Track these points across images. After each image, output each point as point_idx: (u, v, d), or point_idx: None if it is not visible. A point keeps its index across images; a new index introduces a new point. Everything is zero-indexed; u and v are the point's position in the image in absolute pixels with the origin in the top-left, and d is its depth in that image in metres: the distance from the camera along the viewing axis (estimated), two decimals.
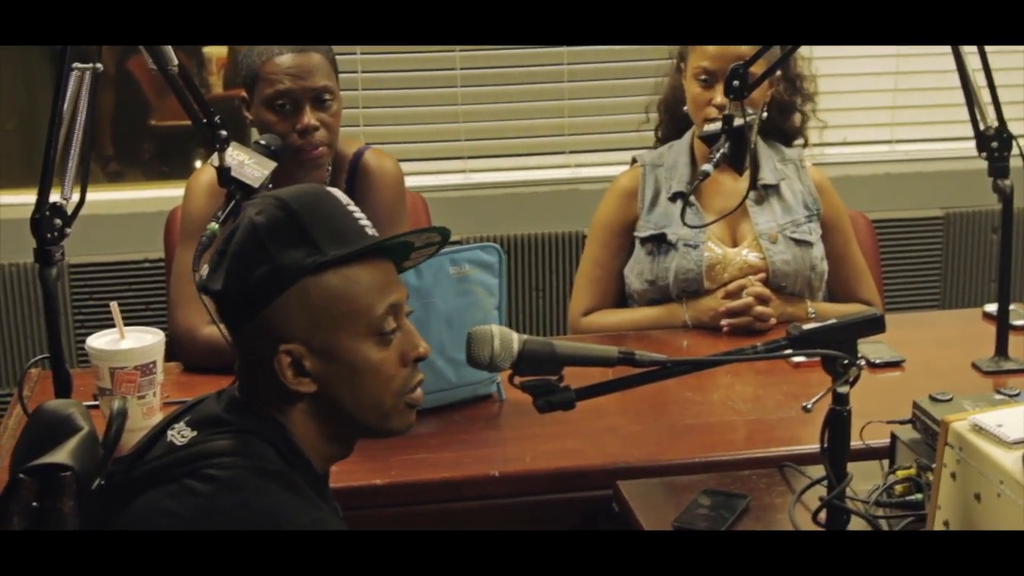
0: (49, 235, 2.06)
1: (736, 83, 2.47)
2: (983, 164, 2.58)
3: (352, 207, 1.65)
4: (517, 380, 1.76)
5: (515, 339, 1.74)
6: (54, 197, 2.09)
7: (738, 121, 2.52)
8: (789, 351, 1.80)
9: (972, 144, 2.58)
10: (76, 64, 2.09)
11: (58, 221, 2.08)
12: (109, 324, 2.29)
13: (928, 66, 4.06)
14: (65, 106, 2.08)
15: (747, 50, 2.70)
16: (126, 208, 3.79)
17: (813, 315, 2.87)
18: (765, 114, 2.83)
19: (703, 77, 2.84)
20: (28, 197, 3.70)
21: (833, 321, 1.80)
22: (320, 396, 1.62)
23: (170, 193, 3.81)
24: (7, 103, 4.59)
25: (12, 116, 4.67)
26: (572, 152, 3.99)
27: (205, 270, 1.64)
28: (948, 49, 2.51)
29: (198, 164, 4.57)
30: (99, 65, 2.11)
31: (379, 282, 1.63)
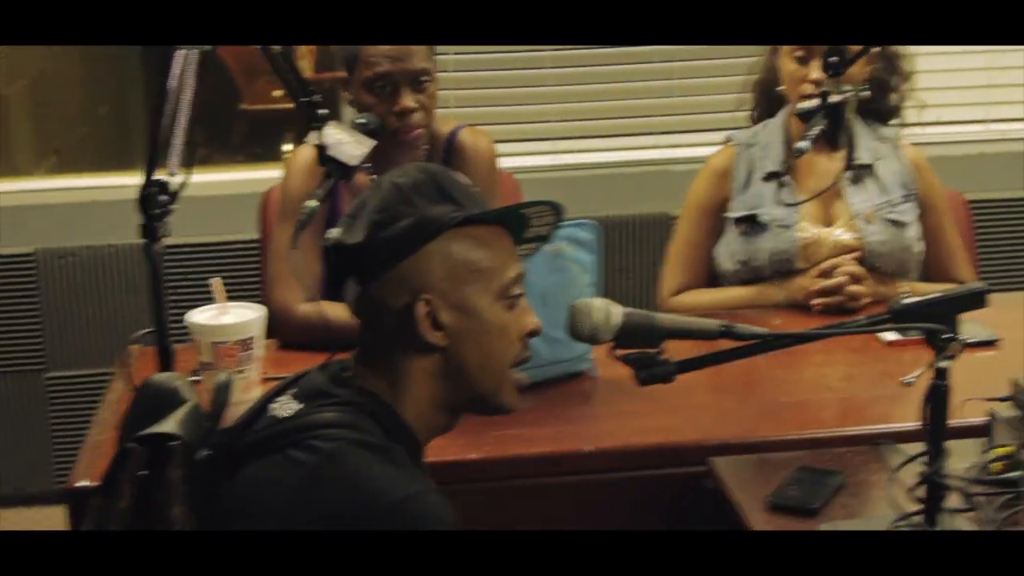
0: (155, 211, 2.10)
1: (834, 59, 2.46)
2: None
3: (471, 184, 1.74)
4: (618, 352, 1.77)
5: (617, 311, 1.75)
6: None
7: (835, 98, 2.51)
8: (891, 325, 1.79)
9: None
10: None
11: (164, 197, 2.12)
12: (200, 305, 2.33)
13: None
14: (173, 84, 2.11)
15: None
16: (217, 190, 3.83)
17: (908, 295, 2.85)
18: (868, 92, 2.80)
19: (799, 53, 2.82)
20: (122, 179, 3.82)
21: (936, 295, 1.79)
22: (447, 353, 1.65)
23: (261, 175, 3.86)
24: (100, 89, 4.68)
25: (104, 102, 4.76)
26: (662, 133, 3.98)
27: (334, 232, 1.67)
28: None
29: (287, 147, 4.63)
30: (208, 46, 2.15)
31: (511, 249, 1.70)
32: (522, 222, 1.72)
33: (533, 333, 1.72)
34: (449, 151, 2.80)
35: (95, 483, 2.05)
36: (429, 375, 1.66)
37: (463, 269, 1.64)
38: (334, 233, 1.67)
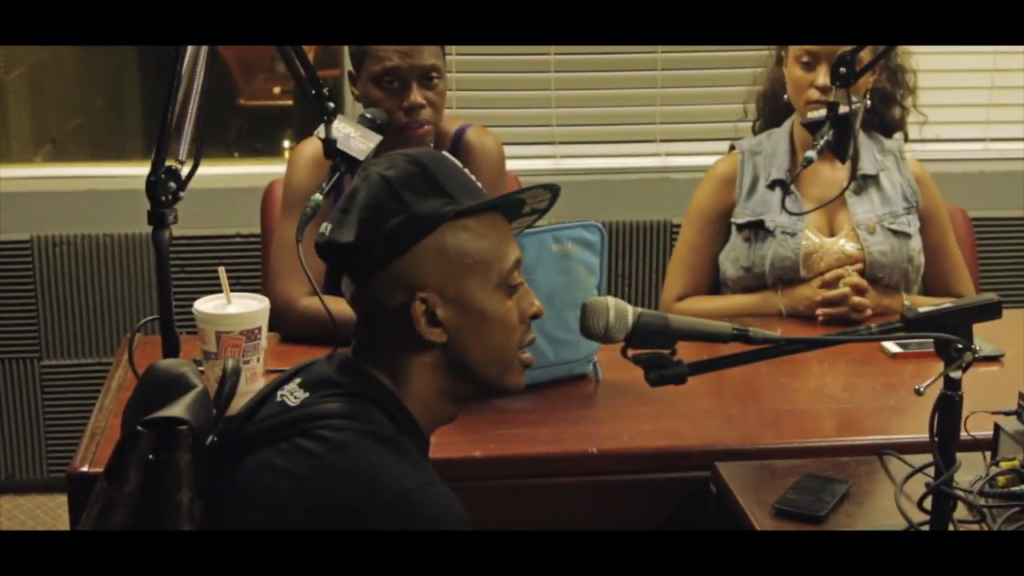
0: (164, 198, 2.08)
1: (843, 70, 2.46)
2: None
3: (466, 170, 1.70)
4: (630, 352, 1.76)
5: (630, 311, 1.74)
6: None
7: (843, 108, 2.50)
8: (903, 333, 1.79)
9: None
10: None
11: (172, 184, 2.10)
12: (197, 298, 2.31)
13: None
14: (183, 70, 2.09)
15: None
16: (217, 183, 3.82)
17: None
18: (868, 102, 2.82)
19: (805, 59, 2.83)
20: (120, 169, 3.81)
21: (949, 304, 1.78)
22: (448, 346, 1.63)
23: (261, 170, 3.86)
24: (96, 81, 4.66)
25: (100, 94, 4.74)
26: (663, 141, 3.98)
27: (327, 228, 1.65)
28: None
29: (286, 143, 4.62)
30: None
31: (508, 236, 1.67)
32: (518, 205, 1.71)
33: (536, 315, 1.70)
34: (456, 150, 2.79)
35: (96, 469, 2.03)
36: (431, 368, 1.65)
37: (458, 264, 1.62)
38: (325, 230, 1.66)
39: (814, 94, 2.81)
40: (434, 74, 2.65)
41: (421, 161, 1.64)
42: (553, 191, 1.72)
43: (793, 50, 2.87)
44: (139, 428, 1.57)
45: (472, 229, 1.63)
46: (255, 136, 4.86)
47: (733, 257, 2.94)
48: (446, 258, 1.61)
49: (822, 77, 2.79)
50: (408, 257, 1.61)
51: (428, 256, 1.61)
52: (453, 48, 3.76)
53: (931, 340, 1.75)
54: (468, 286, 1.62)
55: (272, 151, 4.70)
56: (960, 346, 1.75)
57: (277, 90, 5.11)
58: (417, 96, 2.63)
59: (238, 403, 1.72)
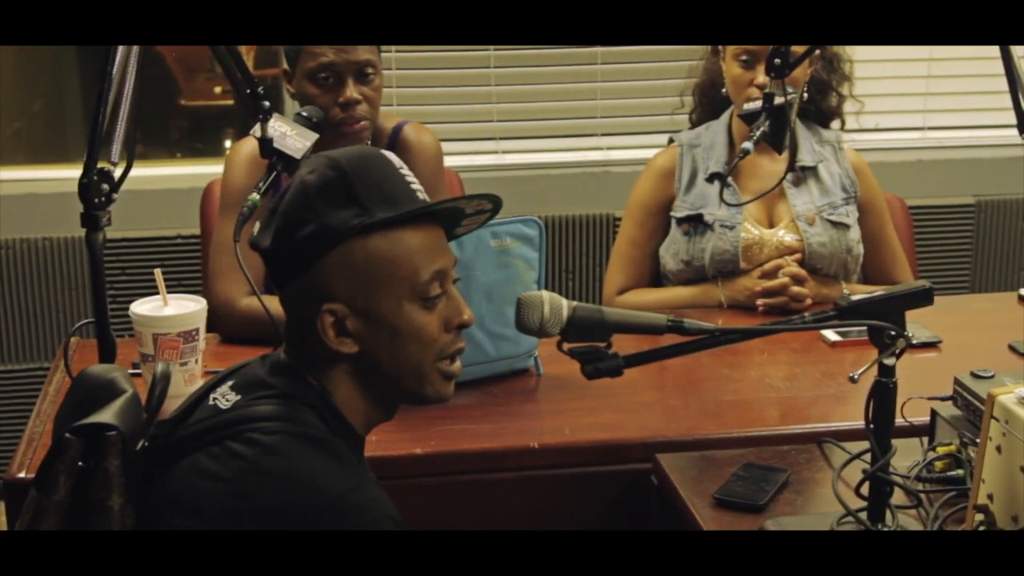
0: (97, 200, 2.07)
1: (778, 61, 2.47)
2: (1014, 152, 2.58)
3: (405, 170, 1.65)
4: (566, 346, 1.76)
5: (565, 305, 1.74)
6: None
7: (779, 100, 2.51)
8: (838, 321, 1.80)
9: (1004, 132, 2.56)
10: None
11: (105, 186, 2.08)
12: (138, 299, 2.30)
13: (961, 53, 4.06)
14: (114, 71, 2.08)
15: None
16: (158, 184, 3.80)
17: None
18: (806, 94, 2.84)
19: (744, 58, 2.84)
20: (58, 172, 3.77)
21: (882, 292, 1.80)
22: (361, 357, 1.62)
23: (202, 170, 3.83)
24: (35, 85, 4.61)
25: (39, 97, 4.69)
26: (604, 135, 3.99)
27: (256, 228, 1.64)
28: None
29: (228, 143, 4.59)
30: None
31: (426, 247, 1.62)
32: (454, 215, 1.68)
33: (464, 325, 1.66)
34: (393, 147, 2.78)
35: (33, 475, 2.01)
36: (349, 375, 1.63)
37: (367, 277, 1.59)
38: (255, 230, 1.65)
39: (754, 92, 2.81)
40: (369, 70, 2.65)
41: (342, 167, 1.60)
42: (493, 200, 1.70)
43: (731, 48, 2.88)
44: (67, 435, 1.55)
45: (383, 242, 1.59)
46: (196, 136, 4.84)
47: (673, 250, 2.95)
48: (355, 271, 1.59)
49: (761, 75, 2.78)
50: (317, 268, 1.59)
51: (336, 268, 1.59)
52: (392, 45, 3.75)
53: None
54: (377, 300, 1.60)
55: (213, 151, 4.67)
56: (893, 333, 1.76)
57: (218, 90, 5.08)
58: (353, 92, 2.62)
59: (175, 404, 1.71)
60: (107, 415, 1.57)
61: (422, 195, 1.65)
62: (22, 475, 2.09)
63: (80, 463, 1.55)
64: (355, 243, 1.58)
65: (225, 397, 1.63)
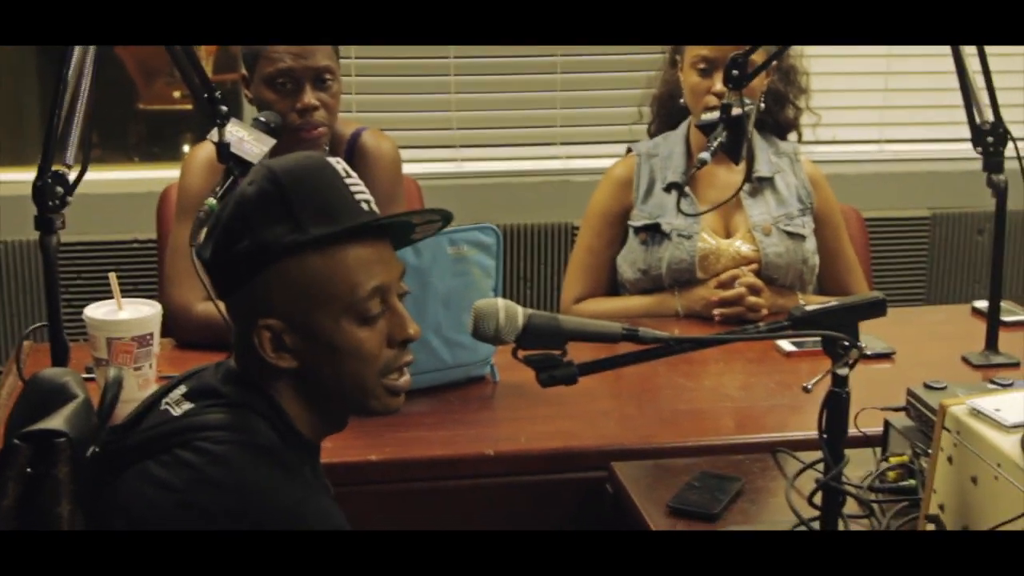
0: (51, 202, 2.06)
1: (735, 72, 2.48)
2: (970, 166, 2.60)
3: (351, 180, 1.61)
4: (521, 354, 1.75)
5: (520, 312, 1.74)
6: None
7: (736, 110, 2.53)
8: (791, 331, 1.81)
9: (959, 146, 2.60)
10: None
11: (60, 189, 2.07)
12: (97, 301, 2.28)
13: (918, 67, 4.10)
14: (70, 74, 2.07)
15: None
16: (116, 188, 3.78)
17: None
18: (763, 104, 2.85)
19: (701, 66, 2.86)
20: (15, 175, 3.74)
21: (835, 303, 1.80)
22: (302, 372, 1.60)
23: (160, 174, 3.81)
24: None
25: None
26: (563, 144, 4.00)
27: (202, 237, 1.63)
28: (940, 50, 2.52)
29: (186, 148, 4.57)
30: None
31: (365, 262, 1.59)
32: (402, 227, 1.66)
33: (408, 340, 1.64)
34: (351, 153, 2.78)
35: None
36: (292, 389, 1.62)
37: (302, 295, 1.56)
38: (201, 237, 1.64)
39: (712, 100, 2.83)
40: (327, 76, 2.64)
41: (280, 181, 1.57)
42: (443, 215, 1.68)
43: (689, 56, 2.89)
44: (16, 441, 1.54)
45: (319, 260, 1.56)
46: (154, 140, 4.82)
47: (631, 259, 2.96)
48: (290, 289, 1.56)
49: (718, 83, 2.80)
50: (253, 284, 1.57)
51: (272, 285, 1.56)
52: (352, 51, 3.75)
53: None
54: (314, 317, 1.57)
55: (171, 155, 4.65)
56: (846, 344, 1.77)
57: (177, 94, 5.05)
58: (310, 97, 2.62)
59: (128, 409, 1.70)
60: (57, 421, 1.55)
61: (368, 206, 1.61)
62: None
63: (29, 469, 1.53)
64: (290, 260, 1.56)
65: (178, 404, 1.62)
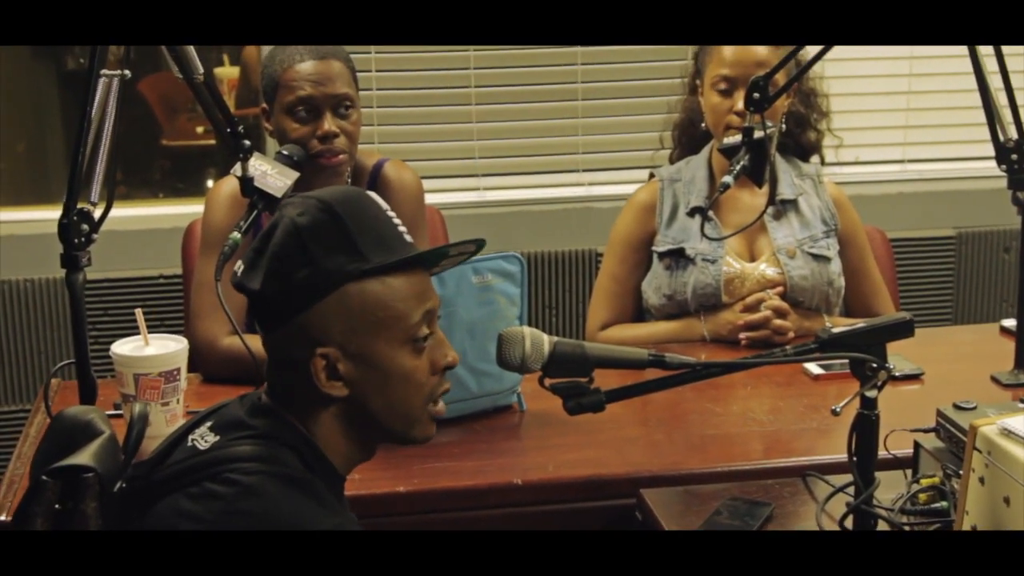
0: (77, 240, 2.07)
1: (756, 95, 2.48)
2: (994, 184, 2.58)
3: (390, 212, 1.66)
4: (548, 382, 1.75)
5: (546, 340, 1.74)
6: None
7: (758, 133, 2.53)
8: (818, 354, 1.80)
9: (983, 164, 2.58)
10: (104, 71, 2.10)
11: (85, 226, 2.08)
12: (124, 337, 2.29)
13: (940, 86, 4.08)
14: (93, 112, 2.08)
15: (764, 54, 2.73)
16: (140, 224, 3.79)
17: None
18: (783, 126, 2.85)
19: (722, 86, 2.86)
20: (40, 214, 3.76)
21: (862, 324, 1.80)
22: (351, 400, 1.62)
23: (184, 210, 3.83)
24: (17, 126, 4.62)
25: (22, 139, 4.70)
26: (585, 171, 4.00)
27: (239, 267, 1.64)
28: (960, 68, 2.51)
29: (210, 183, 4.59)
30: (127, 72, 2.13)
31: (416, 290, 1.63)
32: (436, 256, 1.69)
33: (449, 366, 1.68)
34: (374, 184, 2.78)
35: (11, 518, 2.00)
36: (336, 418, 1.63)
37: (361, 322, 1.59)
38: (239, 269, 1.64)
39: (733, 119, 2.83)
40: (347, 103, 2.65)
41: (335, 210, 1.60)
42: (477, 244, 1.72)
43: (709, 78, 2.89)
44: (44, 477, 1.55)
45: (378, 287, 1.60)
46: (178, 176, 4.85)
47: (655, 285, 2.95)
48: (349, 315, 1.59)
49: (739, 103, 2.80)
50: (311, 312, 1.59)
51: (331, 313, 1.59)
52: (374, 81, 3.76)
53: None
54: (371, 343, 1.60)
55: (195, 191, 4.68)
56: (875, 365, 1.77)
57: (200, 130, 5.10)
58: (331, 125, 2.62)
59: (155, 445, 1.70)
60: (84, 456, 1.57)
61: (407, 236, 1.66)
62: (3, 518, 2.08)
63: (57, 505, 1.54)
64: (351, 288, 1.59)
65: (204, 438, 1.63)
